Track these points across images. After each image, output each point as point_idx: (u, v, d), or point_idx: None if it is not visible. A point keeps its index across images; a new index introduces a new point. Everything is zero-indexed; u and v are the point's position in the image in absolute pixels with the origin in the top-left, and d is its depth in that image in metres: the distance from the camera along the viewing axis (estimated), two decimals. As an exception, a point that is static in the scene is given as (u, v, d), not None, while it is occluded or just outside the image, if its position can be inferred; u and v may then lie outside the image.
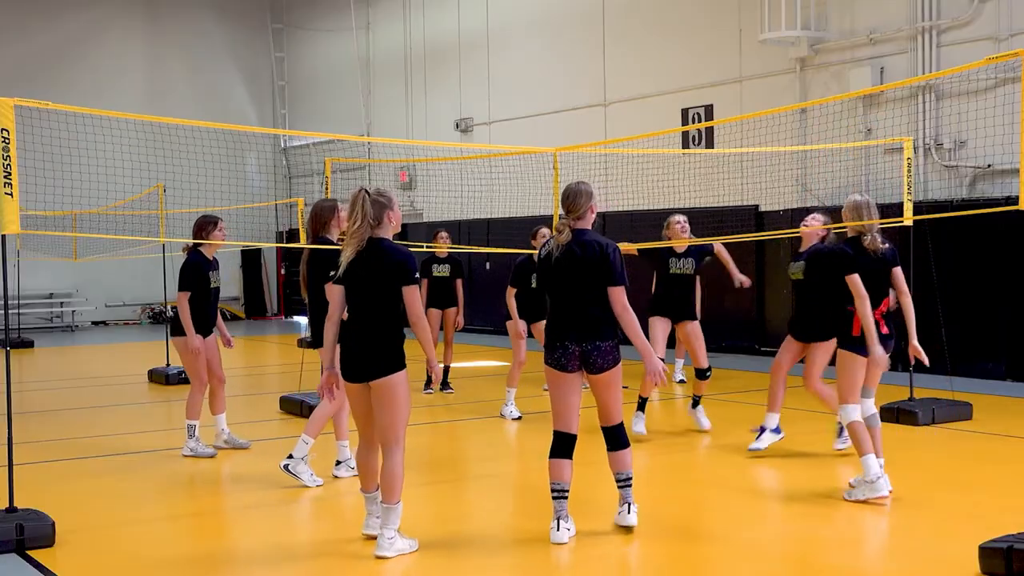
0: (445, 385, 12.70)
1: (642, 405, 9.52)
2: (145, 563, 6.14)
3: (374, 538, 6.11)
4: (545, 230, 10.99)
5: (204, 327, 9.02)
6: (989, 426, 9.87)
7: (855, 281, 7.18)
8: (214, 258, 9.21)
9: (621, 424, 6.43)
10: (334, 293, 6.15)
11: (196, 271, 8.98)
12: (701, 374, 9.72)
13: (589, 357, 6.24)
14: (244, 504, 7.58)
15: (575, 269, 6.25)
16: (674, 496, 7.65)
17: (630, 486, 6.46)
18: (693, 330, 9.69)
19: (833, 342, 8.05)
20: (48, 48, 24.84)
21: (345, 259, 6.02)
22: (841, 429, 8.48)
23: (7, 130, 6.51)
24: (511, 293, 10.75)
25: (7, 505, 6.50)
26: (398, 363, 5.97)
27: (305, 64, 27.28)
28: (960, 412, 10.20)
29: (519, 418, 10.60)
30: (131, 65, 25.98)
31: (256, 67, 27.81)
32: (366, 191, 6.04)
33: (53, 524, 6.40)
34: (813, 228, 8.43)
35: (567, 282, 6.28)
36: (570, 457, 6.33)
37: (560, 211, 6.55)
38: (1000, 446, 9.24)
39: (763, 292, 15.65)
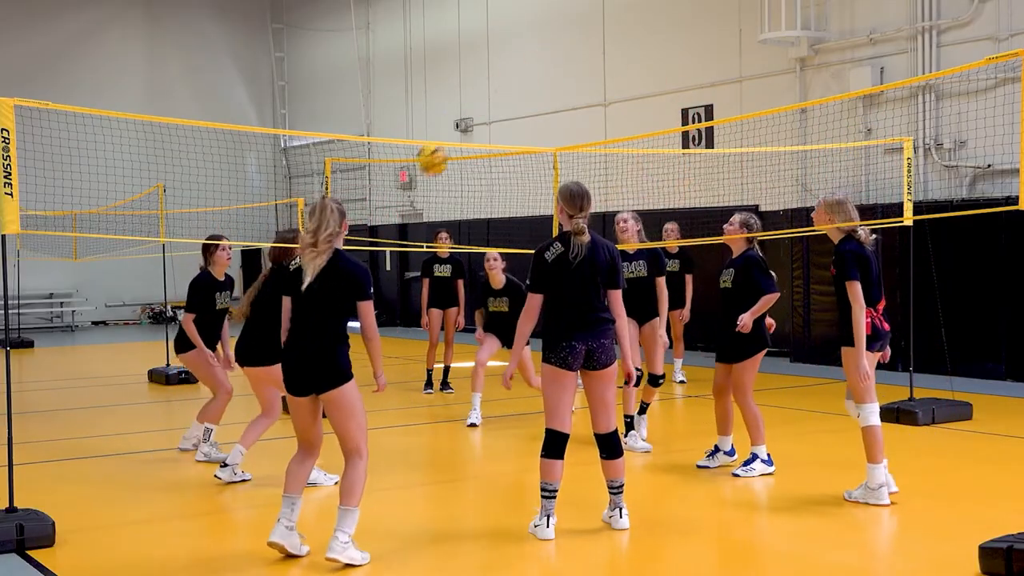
0: (445, 385, 12.70)
1: (643, 410, 9.38)
2: (145, 563, 6.14)
3: (280, 546, 5.98)
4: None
5: (207, 346, 8.80)
6: (989, 426, 9.86)
7: (855, 288, 6.89)
8: (226, 276, 8.99)
9: (616, 431, 6.50)
10: (286, 305, 6.06)
11: (203, 292, 8.76)
12: (653, 380, 9.20)
13: (593, 355, 6.32)
14: (244, 504, 7.58)
15: (592, 270, 6.34)
16: (670, 495, 7.64)
17: (622, 492, 6.54)
18: (650, 332, 9.13)
19: (758, 356, 7.87)
20: (48, 48, 24.84)
21: (312, 271, 5.83)
22: (753, 458, 7.94)
23: (7, 130, 6.51)
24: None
25: (7, 505, 6.51)
26: (348, 373, 5.90)
27: (305, 64, 27.29)
28: (960, 412, 10.19)
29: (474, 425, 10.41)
30: (131, 65, 25.99)
31: (256, 67, 27.82)
32: (331, 199, 5.97)
33: (53, 524, 6.40)
34: (732, 236, 8.01)
35: (583, 283, 6.32)
36: (562, 457, 6.39)
37: (560, 210, 6.52)
38: (1000, 446, 9.24)
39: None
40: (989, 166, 13.39)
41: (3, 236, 6.53)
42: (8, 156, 6.48)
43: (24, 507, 6.55)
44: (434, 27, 22.92)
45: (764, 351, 7.96)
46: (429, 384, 12.68)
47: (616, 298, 6.43)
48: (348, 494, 5.88)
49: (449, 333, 12.71)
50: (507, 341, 10.59)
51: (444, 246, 12.65)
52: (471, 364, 10.90)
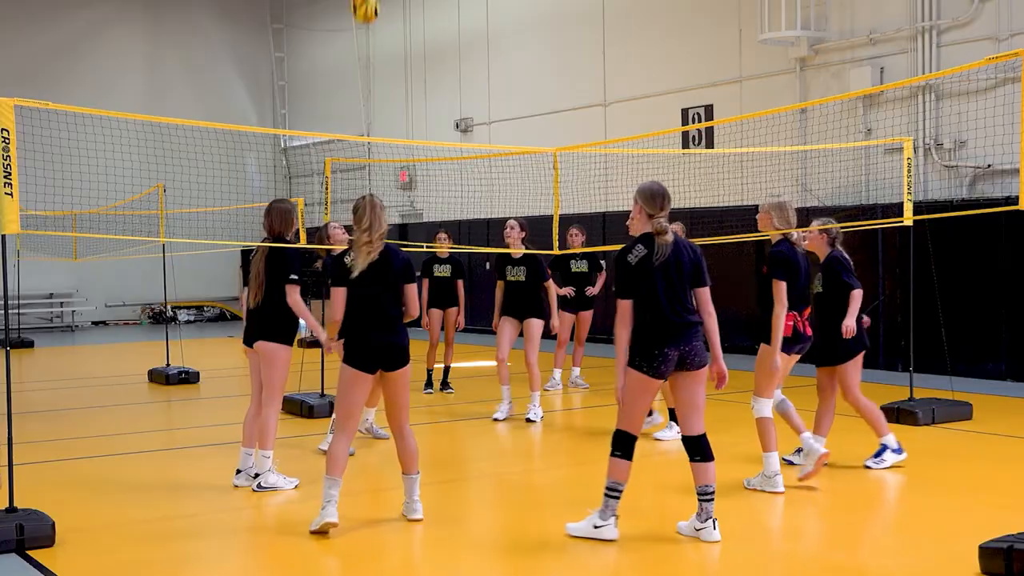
0: (445, 385, 12.70)
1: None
2: (145, 563, 6.14)
3: (324, 533, 6.41)
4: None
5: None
6: (989, 426, 9.87)
7: (781, 288, 7.27)
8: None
9: (705, 435, 6.32)
10: (338, 295, 6.62)
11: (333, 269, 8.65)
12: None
13: (686, 359, 6.19)
14: (245, 504, 7.58)
15: (679, 272, 6.20)
16: (667, 493, 7.64)
17: (713, 500, 6.30)
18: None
19: (859, 357, 7.93)
20: (48, 48, 24.83)
21: (363, 263, 6.52)
22: (883, 449, 8.02)
23: (7, 130, 6.51)
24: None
25: (7, 505, 6.50)
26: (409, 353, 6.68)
27: (305, 64, 27.29)
28: (960, 412, 10.19)
29: (499, 420, 10.50)
30: (131, 65, 25.98)
31: (256, 67, 27.82)
32: (377, 197, 6.65)
33: (53, 524, 6.40)
34: (813, 229, 8.08)
35: (670, 285, 6.18)
36: (631, 458, 6.27)
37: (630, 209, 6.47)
38: (1000, 446, 9.24)
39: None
40: (989, 166, 13.39)
41: (3, 236, 6.53)
42: (8, 156, 6.48)
43: (24, 507, 6.55)
44: (434, 27, 22.91)
45: (864, 351, 7.99)
46: (429, 384, 12.68)
47: (704, 296, 6.27)
48: (413, 463, 6.72)
49: (449, 333, 12.71)
50: (521, 315, 10.66)
51: (443, 246, 12.65)
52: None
